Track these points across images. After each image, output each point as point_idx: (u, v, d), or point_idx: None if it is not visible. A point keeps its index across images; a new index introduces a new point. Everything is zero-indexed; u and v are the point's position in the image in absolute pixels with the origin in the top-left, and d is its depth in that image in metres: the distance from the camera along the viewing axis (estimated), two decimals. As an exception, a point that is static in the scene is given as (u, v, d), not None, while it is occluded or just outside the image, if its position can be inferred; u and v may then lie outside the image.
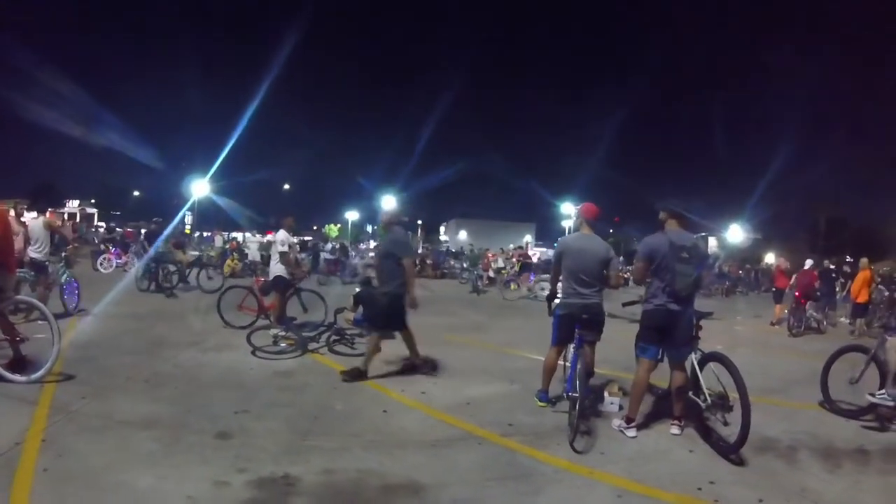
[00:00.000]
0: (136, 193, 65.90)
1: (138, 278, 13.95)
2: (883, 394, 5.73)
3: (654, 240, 5.15)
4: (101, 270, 17.64)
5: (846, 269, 21.69)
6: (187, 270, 15.07)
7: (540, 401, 5.72)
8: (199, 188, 41.32)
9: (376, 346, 6.55)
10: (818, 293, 14.45)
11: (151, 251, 14.75)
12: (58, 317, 6.32)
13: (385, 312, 6.59)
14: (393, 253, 6.55)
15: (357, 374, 6.31)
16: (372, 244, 36.41)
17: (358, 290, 8.83)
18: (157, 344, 7.62)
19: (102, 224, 51.23)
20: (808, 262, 15.07)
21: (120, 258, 18.85)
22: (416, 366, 6.85)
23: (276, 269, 8.75)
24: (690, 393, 5.11)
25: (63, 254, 10.03)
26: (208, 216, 50.87)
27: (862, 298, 13.20)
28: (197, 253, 21.33)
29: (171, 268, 14.06)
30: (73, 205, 58.77)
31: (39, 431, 4.28)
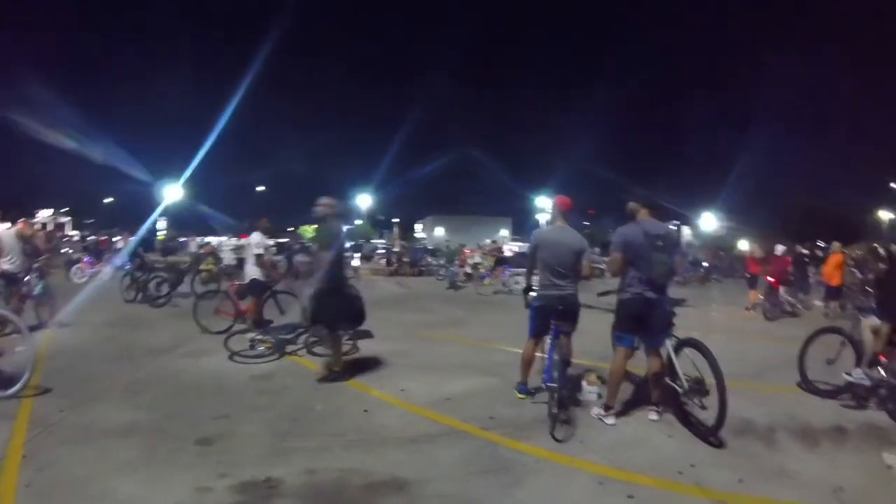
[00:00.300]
0: (109, 200, 64.65)
1: (124, 289, 13.43)
2: (860, 373, 5.87)
3: (628, 230, 5.20)
4: (75, 280, 17.35)
5: (819, 253, 22.06)
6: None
7: (519, 393, 5.76)
8: (173, 193, 40.79)
9: (334, 344, 6.50)
10: (791, 278, 14.69)
11: (123, 259, 14.39)
12: (33, 329, 6.24)
13: (330, 308, 6.41)
14: (323, 247, 6.44)
15: (332, 375, 6.30)
16: (348, 244, 36.28)
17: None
18: (134, 352, 7.55)
19: (76, 232, 50.40)
20: (780, 248, 15.34)
21: (93, 267, 18.55)
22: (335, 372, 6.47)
23: (252, 272, 8.69)
24: (667, 379, 5.17)
25: (35, 264, 9.87)
26: (182, 221, 50.33)
27: (835, 281, 13.44)
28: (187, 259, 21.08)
29: (164, 275, 13.51)
30: (45, 214, 57.57)
31: (19, 446, 4.25)
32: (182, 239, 41.41)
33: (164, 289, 13.04)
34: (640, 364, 5.44)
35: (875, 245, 7.29)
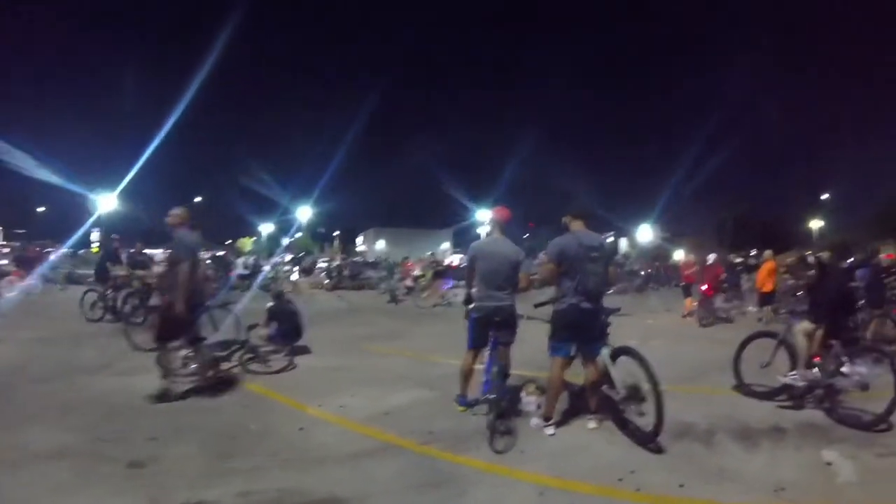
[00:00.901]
0: (40, 209, 61.66)
1: (88, 307, 12.23)
2: (794, 374, 6.10)
3: (563, 241, 5.24)
4: (5, 294, 16.51)
5: (752, 261, 22.92)
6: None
7: (459, 405, 5.73)
8: (107, 202, 39.29)
9: (165, 357, 6.25)
10: (725, 285, 15.19)
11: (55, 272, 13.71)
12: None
13: (178, 321, 6.18)
14: (180, 257, 6.19)
15: (166, 395, 6.03)
16: (287, 257, 35.71)
17: (271, 304, 8.63)
18: (67, 370, 7.21)
19: (5, 243, 48.10)
20: (712, 257, 15.94)
21: (23, 280, 17.73)
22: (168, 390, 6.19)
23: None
24: (605, 387, 5.21)
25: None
26: (116, 232, 48.61)
27: (767, 288, 13.94)
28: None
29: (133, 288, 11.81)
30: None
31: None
32: (148, 251, 39.98)
33: (133, 303, 11.39)
34: (579, 373, 5.48)
35: (805, 253, 7.63)
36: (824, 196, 54.83)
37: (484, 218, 41.71)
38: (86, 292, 12.83)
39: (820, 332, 6.10)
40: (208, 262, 10.88)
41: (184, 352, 7.51)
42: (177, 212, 6.47)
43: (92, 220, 39.75)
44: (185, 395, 6.21)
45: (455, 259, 35.70)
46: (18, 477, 4.02)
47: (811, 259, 6.77)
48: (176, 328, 6.23)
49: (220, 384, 6.77)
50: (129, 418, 5.41)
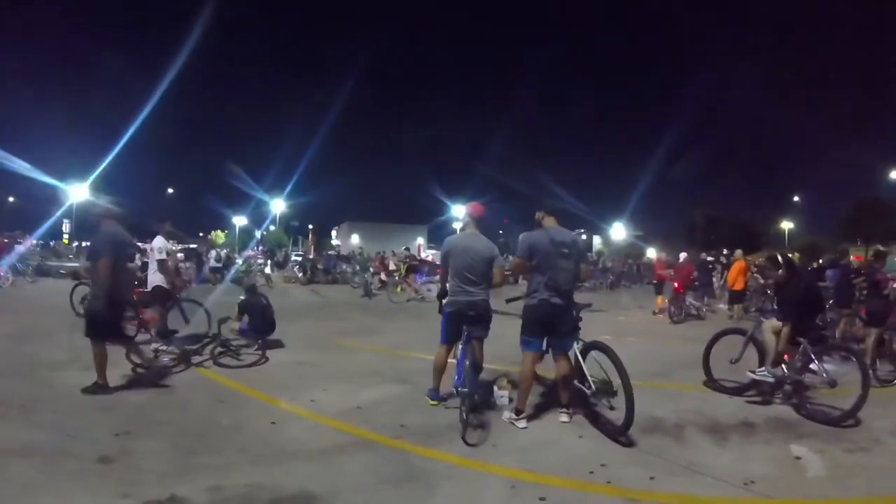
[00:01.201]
0: (10, 199, 60.16)
1: (79, 301, 11.98)
2: (763, 371, 6.24)
3: (534, 236, 5.28)
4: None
5: (723, 260, 23.31)
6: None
7: (431, 399, 5.75)
8: (78, 193, 38.52)
9: (99, 353, 6.06)
10: (696, 283, 15.43)
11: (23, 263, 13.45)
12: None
13: (102, 318, 6.06)
14: (100, 252, 6.03)
15: (97, 388, 5.94)
16: (259, 250, 35.43)
17: (243, 298, 8.57)
18: (31, 365, 7.02)
19: None
20: (683, 255, 16.26)
21: None
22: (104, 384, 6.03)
23: (155, 278, 8.22)
24: (576, 382, 5.28)
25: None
26: (88, 223, 47.77)
27: (738, 286, 14.33)
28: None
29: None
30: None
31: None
32: (86, 243, 39.29)
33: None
34: (550, 368, 5.51)
35: (775, 253, 7.78)
36: (795, 198, 55.91)
37: (459, 214, 41.83)
38: (76, 286, 12.33)
39: (787, 330, 6.22)
40: (180, 255, 10.65)
41: (154, 345, 7.46)
42: (100, 204, 6.37)
43: (62, 210, 39.06)
44: (155, 389, 6.15)
45: (429, 255, 35.69)
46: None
47: (780, 259, 6.91)
48: (103, 325, 6.08)
49: (190, 378, 6.72)
50: (97, 413, 5.31)
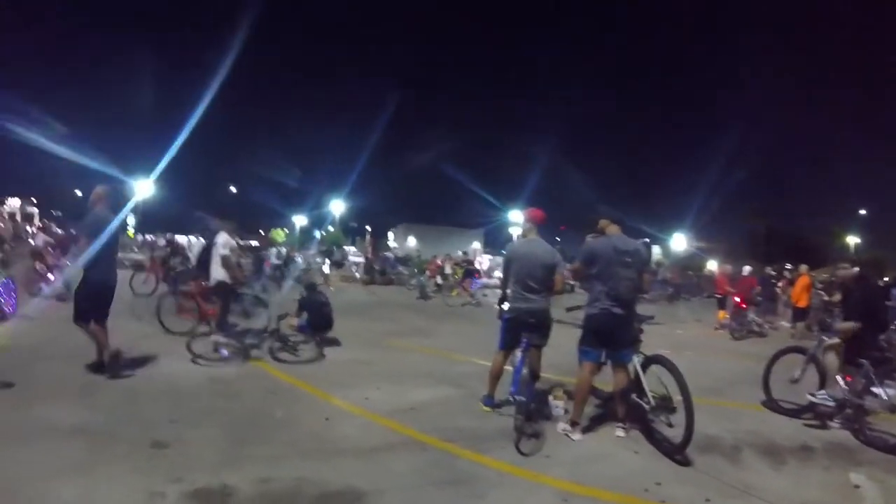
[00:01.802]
0: (78, 193, 62.66)
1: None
2: (823, 394, 5.94)
3: (598, 243, 5.20)
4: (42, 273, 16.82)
5: (787, 275, 22.49)
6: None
7: (485, 405, 5.69)
8: (143, 188, 39.96)
9: (93, 333, 6.24)
10: (758, 298, 14.92)
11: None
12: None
13: (88, 300, 6.24)
14: (83, 235, 6.24)
15: (100, 366, 6.11)
16: (319, 250, 35.96)
17: (302, 295, 8.69)
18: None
19: (45, 223, 49.05)
20: (747, 269, 15.69)
21: (59, 260, 18.01)
22: (102, 363, 6.23)
23: (217, 273, 8.44)
24: (634, 395, 5.16)
25: (-1, 255, 9.55)
26: (152, 218, 49.47)
27: (802, 303, 13.72)
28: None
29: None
30: (12, 203, 55.80)
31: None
32: (149, 237, 40.65)
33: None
34: (607, 380, 5.41)
35: (840, 267, 7.44)
36: (861, 211, 53.57)
37: (516, 218, 41.62)
38: (133, 274, 13.20)
39: (850, 326, 5.98)
40: (240, 251, 10.85)
41: (214, 337, 7.61)
42: (98, 190, 6.55)
43: (129, 205, 40.39)
44: (211, 379, 6.28)
45: (485, 261, 35.54)
46: (29, 453, 4.03)
47: (842, 272, 6.57)
48: (86, 307, 6.24)
49: (247, 371, 6.83)
50: (153, 400, 5.46)
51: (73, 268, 6.13)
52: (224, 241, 8.40)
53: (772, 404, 6.44)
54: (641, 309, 5.50)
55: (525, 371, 5.17)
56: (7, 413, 4.77)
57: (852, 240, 52.95)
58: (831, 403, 5.86)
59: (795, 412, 6.16)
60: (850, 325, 6.08)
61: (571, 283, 9.11)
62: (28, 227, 37.44)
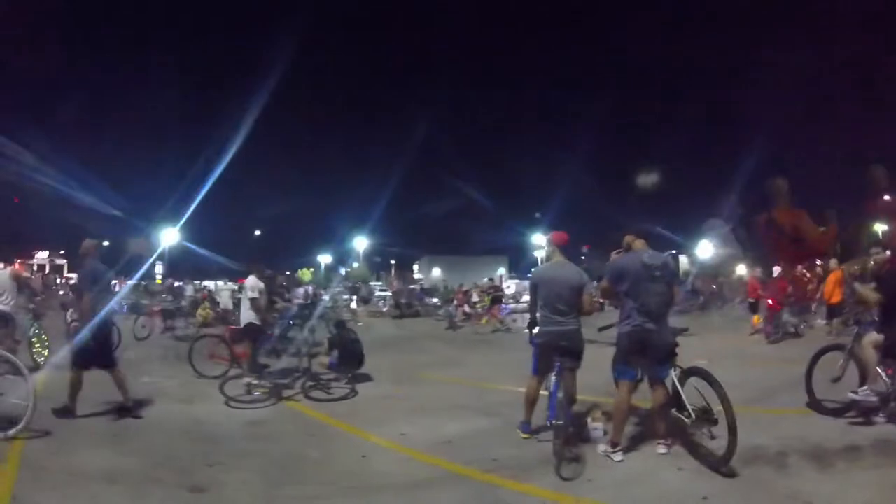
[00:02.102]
0: (105, 243, 63.92)
1: None
2: (865, 390, 5.74)
3: (625, 260, 5.15)
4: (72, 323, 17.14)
5: (819, 271, 21.90)
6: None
7: (523, 432, 5.60)
8: (169, 236, 40.68)
9: (75, 380, 6.22)
10: (791, 298, 14.59)
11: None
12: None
13: (85, 349, 6.30)
14: (82, 288, 6.50)
15: (66, 411, 6.06)
16: (345, 287, 36.10)
17: (332, 333, 8.69)
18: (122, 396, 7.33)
19: (73, 275, 50.10)
20: (777, 270, 15.31)
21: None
22: (127, 408, 6.36)
23: (247, 315, 8.52)
24: (674, 410, 5.05)
25: (31, 306, 9.74)
26: (178, 265, 50.18)
27: (835, 299, 13.26)
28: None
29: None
30: (41, 256, 57.18)
31: (8, 490, 4.11)
32: (177, 283, 41.17)
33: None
34: (645, 397, 5.31)
35: (870, 253, 7.16)
36: (885, 198, 52.39)
37: (540, 242, 41.50)
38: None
39: (880, 340, 5.76)
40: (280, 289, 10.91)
41: (247, 379, 7.63)
42: (86, 243, 6.72)
43: (156, 254, 41.06)
44: (246, 422, 6.25)
45: (511, 286, 35.41)
46: (72, 500, 4.05)
47: (878, 258, 6.31)
48: (86, 355, 6.29)
49: (281, 412, 6.81)
50: (189, 443, 5.48)
51: (84, 326, 6.23)
52: (252, 283, 8.51)
53: (816, 405, 6.25)
54: (673, 321, 5.39)
55: (560, 395, 5.08)
56: (47, 459, 4.80)
57: (879, 227, 51.88)
58: (874, 399, 5.67)
59: (840, 411, 5.97)
60: (878, 338, 5.85)
61: (601, 300, 8.97)
62: (57, 279, 38.15)
